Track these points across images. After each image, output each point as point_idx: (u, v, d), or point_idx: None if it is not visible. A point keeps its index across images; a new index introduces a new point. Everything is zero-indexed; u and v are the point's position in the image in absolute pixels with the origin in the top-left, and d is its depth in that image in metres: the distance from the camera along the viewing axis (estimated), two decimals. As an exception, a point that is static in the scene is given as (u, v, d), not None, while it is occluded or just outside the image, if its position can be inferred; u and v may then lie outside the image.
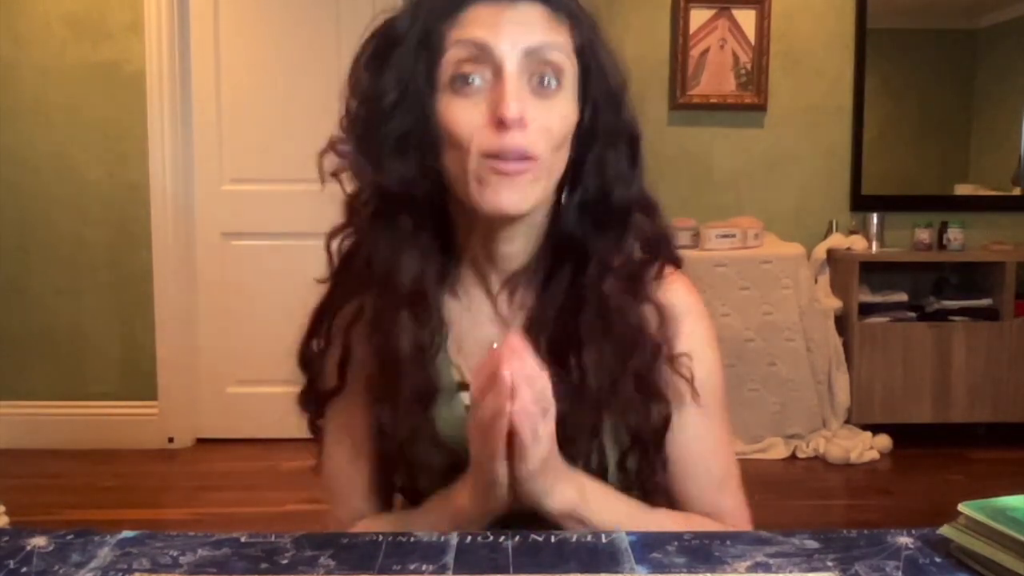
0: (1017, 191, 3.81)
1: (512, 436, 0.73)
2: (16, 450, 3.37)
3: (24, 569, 0.72)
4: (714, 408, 0.92)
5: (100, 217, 3.45)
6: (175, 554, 0.75)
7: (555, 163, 0.82)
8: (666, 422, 0.88)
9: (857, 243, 3.57)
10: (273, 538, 0.79)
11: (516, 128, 0.78)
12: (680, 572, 0.72)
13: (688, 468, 0.91)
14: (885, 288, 3.60)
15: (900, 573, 0.71)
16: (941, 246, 3.61)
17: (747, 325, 3.35)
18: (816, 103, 3.71)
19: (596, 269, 0.85)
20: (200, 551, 0.76)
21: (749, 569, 0.72)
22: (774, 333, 3.38)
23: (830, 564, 0.73)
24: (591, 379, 0.84)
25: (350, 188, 0.88)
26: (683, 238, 3.39)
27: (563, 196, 0.86)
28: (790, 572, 0.71)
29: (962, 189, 3.80)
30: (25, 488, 2.96)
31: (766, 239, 3.49)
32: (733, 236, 3.38)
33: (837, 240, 3.58)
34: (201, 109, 3.50)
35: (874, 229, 3.60)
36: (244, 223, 3.50)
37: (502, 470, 0.77)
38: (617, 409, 0.86)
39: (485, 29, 0.79)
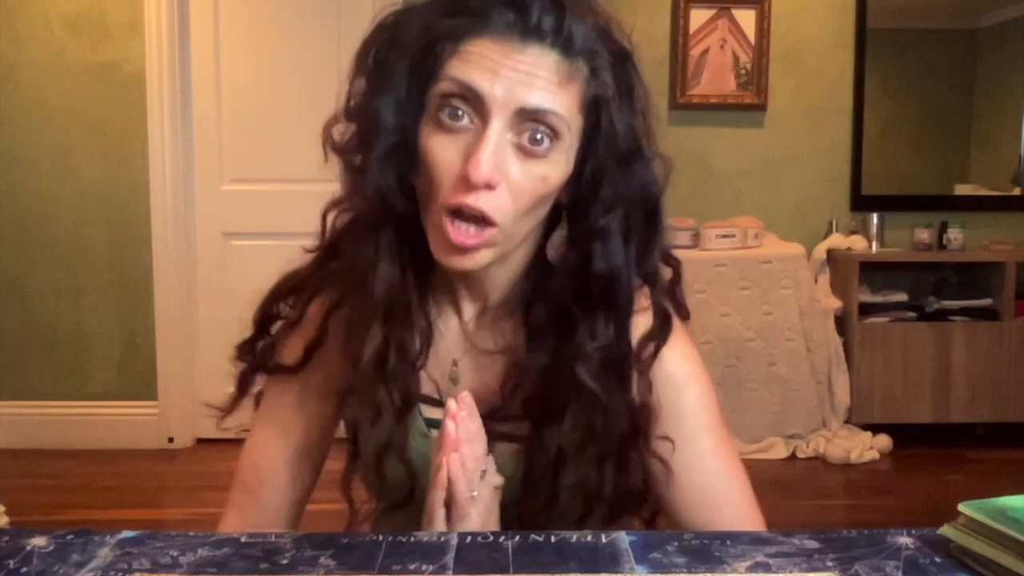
0: (1017, 191, 3.81)
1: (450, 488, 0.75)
2: (16, 450, 3.37)
3: (24, 569, 0.72)
4: (710, 430, 0.88)
5: (100, 217, 3.45)
6: (175, 554, 0.75)
7: (518, 229, 0.77)
8: (641, 490, 0.84)
9: (857, 243, 3.57)
10: (273, 538, 0.79)
11: (481, 191, 0.73)
12: (680, 572, 0.72)
13: (716, 505, 0.88)
14: (885, 288, 3.60)
15: (900, 573, 0.71)
16: (941, 246, 3.61)
17: (747, 325, 3.35)
18: (816, 103, 3.71)
19: (577, 347, 0.80)
20: (200, 551, 0.75)
21: (749, 569, 0.72)
22: (774, 333, 3.38)
23: (830, 564, 0.73)
24: (556, 444, 0.81)
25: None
26: (683, 238, 3.40)
27: (551, 240, 0.82)
28: (790, 572, 0.71)
29: (962, 189, 3.80)
30: (25, 488, 2.96)
31: (766, 239, 3.49)
32: (733, 236, 3.38)
33: (837, 240, 3.58)
34: (201, 109, 3.50)
35: (874, 229, 3.60)
36: (244, 223, 3.50)
37: (439, 518, 0.78)
38: (578, 474, 0.82)
39: (483, 73, 0.73)
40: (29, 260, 3.46)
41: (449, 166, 0.74)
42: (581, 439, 0.81)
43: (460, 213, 0.74)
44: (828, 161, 3.74)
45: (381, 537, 0.78)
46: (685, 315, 0.87)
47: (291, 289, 0.90)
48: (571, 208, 0.80)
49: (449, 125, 0.74)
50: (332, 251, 0.87)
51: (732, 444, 0.91)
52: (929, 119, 3.88)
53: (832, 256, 3.56)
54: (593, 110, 0.76)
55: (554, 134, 0.75)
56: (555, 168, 0.76)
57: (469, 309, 0.86)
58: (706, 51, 3.63)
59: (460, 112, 0.74)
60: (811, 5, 3.68)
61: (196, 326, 3.53)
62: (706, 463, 0.88)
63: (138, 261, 3.46)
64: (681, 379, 0.86)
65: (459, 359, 0.87)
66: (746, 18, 3.62)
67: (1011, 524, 0.69)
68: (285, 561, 0.74)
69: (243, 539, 0.78)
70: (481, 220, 0.74)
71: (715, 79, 3.64)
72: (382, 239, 0.79)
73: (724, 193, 3.70)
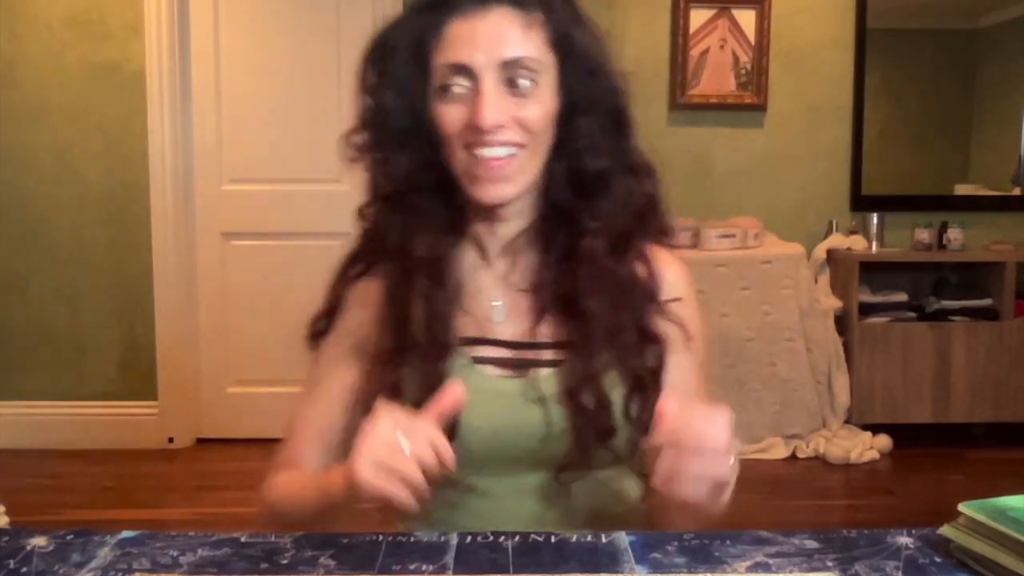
0: (1017, 191, 3.81)
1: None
2: (16, 450, 3.37)
3: (24, 569, 0.72)
4: (698, 352, 1.00)
5: (100, 217, 3.45)
6: (175, 554, 0.75)
7: (538, 147, 0.92)
8: (661, 363, 0.94)
9: (857, 243, 3.56)
10: (273, 538, 0.79)
11: (493, 133, 0.88)
12: (680, 572, 0.72)
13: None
14: (885, 288, 3.60)
15: (900, 573, 0.71)
16: (941, 246, 3.61)
17: (747, 325, 3.35)
18: (816, 103, 3.70)
19: (584, 233, 0.94)
20: (200, 551, 0.76)
21: (749, 569, 0.72)
22: (774, 333, 3.38)
23: (830, 564, 0.73)
24: (591, 329, 0.91)
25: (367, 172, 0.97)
26: (683, 238, 3.39)
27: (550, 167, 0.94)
28: (790, 572, 0.71)
29: (962, 189, 3.79)
30: (25, 488, 2.97)
31: (766, 239, 3.49)
32: (733, 236, 3.37)
33: (837, 240, 3.58)
34: (201, 109, 3.50)
35: (874, 229, 3.60)
36: (244, 223, 3.50)
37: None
38: (617, 355, 0.92)
39: (463, 48, 0.88)
40: (29, 260, 3.46)
41: (458, 124, 0.89)
42: (608, 319, 0.92)
43: (483, 152, 0.89)
44: (828, 161, 3.73)
45: (381, 537, 0.78)
46: (667, 232, 1.01)
47: (350, 264, 1.00)
48: (560, 124, 0.93)
49: (449, 97, 0.90)
50: (362, 246, 1.00)
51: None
52: (929, 119, 3.88)
53: (832, 256, 3.56)
54: (559, 46, 0.91)
55: (534, 75, 0.90)
56: (544, 103, 0.91)
57: (494, 251, 0.98)
58: (706, 51, 3.63)
59: (456, 86, 0.89)
60: (811, 5, 3.68)
61: (196, 326, 3.53)
62: (687, 372, 0.98)
63: (138, 261, 3.46)
64: (681, 290, 0.99)
65: (496, 301, 0.97)
66: (746, 18, 3.62)
67: (1011, 524, 0.69)
68: (285, 561, 0.74)
69: (243, 539, 0.79)
70: (509, 148, 0.89)
71: (715, 79, 3.64)
72: (414, 210, 0.94)
73: (724, 193, 3.70)
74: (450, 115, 0.90)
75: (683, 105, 3.64)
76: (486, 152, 0.89)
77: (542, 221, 0.97)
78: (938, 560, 0.74)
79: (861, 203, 3.71)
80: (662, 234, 0.99)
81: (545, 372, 0.93)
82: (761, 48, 3.63)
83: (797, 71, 3.68)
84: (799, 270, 3.40)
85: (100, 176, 3.44)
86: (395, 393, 0.91)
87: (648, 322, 0.94)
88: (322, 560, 0.74)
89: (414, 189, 0.94)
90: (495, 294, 0.97)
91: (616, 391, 0.91)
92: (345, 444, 0.95)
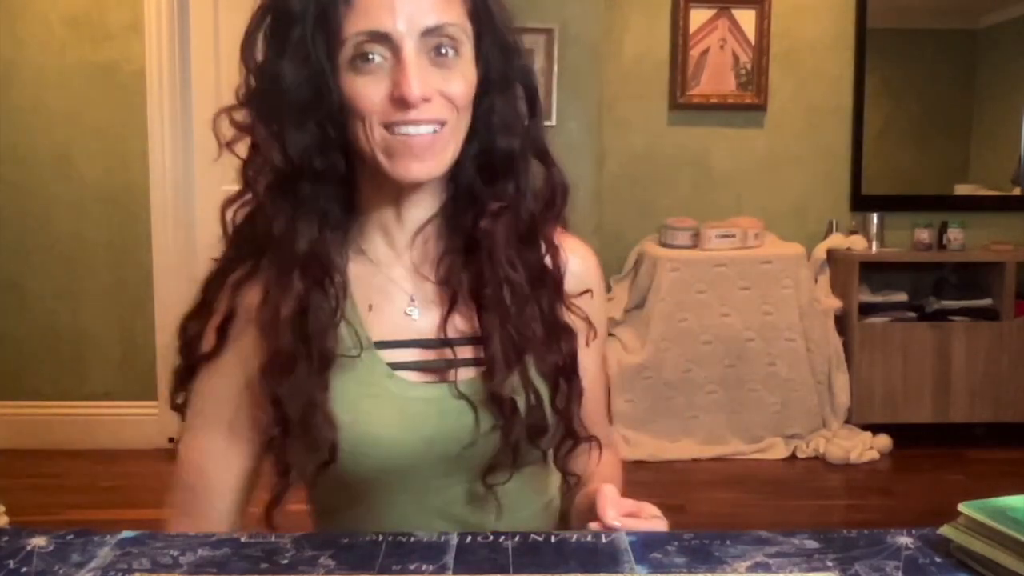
0: (1017, 191, 3.81)
1: None
2: (16, 450, 3.37)
3: (24, 569, 0.72)
4: (601, 343, 0.99)
5: (100, 217, 3.45)
6: (175, 554, 0.75)
7: (460, 122, 0.86)
8: (574, 355, 0.91)
9: (857, 243, 3.57)
10: (273, 538, 0.79)
11: (421, 105, 0.81)
12: (680, 572, 0.72)
13: (586, 401, 0.95)
14: (885, 288, 3.60)
15: (900, 573, 0.71)
16: (941, 246, 3.61)
17: (747, 325, 3.35)
18: (816, 103, 3.71)
19: (488, 217, 0.89)
20: (200, 551, 0.76)
21: (749, 569, 0.72)
22: (774, 333, 3.38)
23: (830, 564, 0.73)
24: (502, 321, 0.87)
25: (244, 156, 0.90)
26: (683, 238, 3.39)
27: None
28: (790, 572, 0.71)
29: (962, 189, 3.80)
30: (25, 488, 2.96)
31: (766, 239, 3.49)
32: (733, 236, 3.37)
33: (837, 240, 3.58)
34: (201, 109, 3.49)
35: (874, 229, 3.61)
36: (244, 223, 3.50)
37: None
38: (532, 348, 0.88)
39: (380, 14, 0.80)
40: (29, 260, 3.46)
41: (377, 98, 0.82)
42: (519, 309, 0.88)
43: (406, 130, 0.82)
44: (828, 161, 3.74)
45: (381, 537, 0.78)
46: (563, 223, 0.95)
47: (207, 295, 0.93)
48: (474, 102, 0.87)
49: (366, 68, 0.81)
50: (238, 241, 0.91)
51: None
52: (929, 119, 3.88)
53: (832, 256, 3.56)
54: (476, 16, 0.86)
55: (456, 44, 0.84)
56: (468, 69, 0.85)
57: (402, 240, 0.91)
58: (706, 51, 3.63)
59: (372, 55, 0.81)
60: (811, 5, 3.68)
61: (196, 326, 3.53)
62: (591, 367, 0.97)
63: (138, 262, 3.46)
64: (590, 281, 0.97)
65: (413, 294, 0.91)
66: (746, 18, 3.62)
67: (1011, 524, 0.69)
68: (285, 561, 0.74)
69: (243, 539, 0.79)
70: (433, 125, 0.83)
71: (715, 79, 3.64)
72: (299, 199, 0.85)
73: (724, 193, 3.70)
74: (367, 89, 0.81)
75: (683, 105, 3.64)
76: (411, 130, 0.82)
77: (451, 204, 0.91)
78: (938, 560, 0.74)
79: (861, 203, 3.71)
80: (561, 224, 0.95)
81: (467, 373, 0.88)
82: (761, 48, 3.63)
83: (797, 71, 3.68)
84: (799, 270, 3.40)
85: (100, 176, 3.44)
86: (276, 408, 0.84)
87: (558, 313, 0.91)
88: (322, 560, 0.74)
89: (308, 172, 0.84)
90: (407, 288, 0.91)
91: (541, 387, 0.88)
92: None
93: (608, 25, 3.51)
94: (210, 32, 3.46)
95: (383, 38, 0.80)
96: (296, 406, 0.83)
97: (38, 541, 0.77)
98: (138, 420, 3.48)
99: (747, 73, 3.65)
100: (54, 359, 3.49)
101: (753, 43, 3.63)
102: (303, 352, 0.83)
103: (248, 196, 0.90)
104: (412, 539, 0.78)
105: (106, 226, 3.46)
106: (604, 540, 0.78)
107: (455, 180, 0.90)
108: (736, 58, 3.64)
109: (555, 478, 1.00)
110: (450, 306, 0.89)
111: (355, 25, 0.80)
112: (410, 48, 0.81)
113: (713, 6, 3.60)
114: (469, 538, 0.78)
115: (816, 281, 3.52)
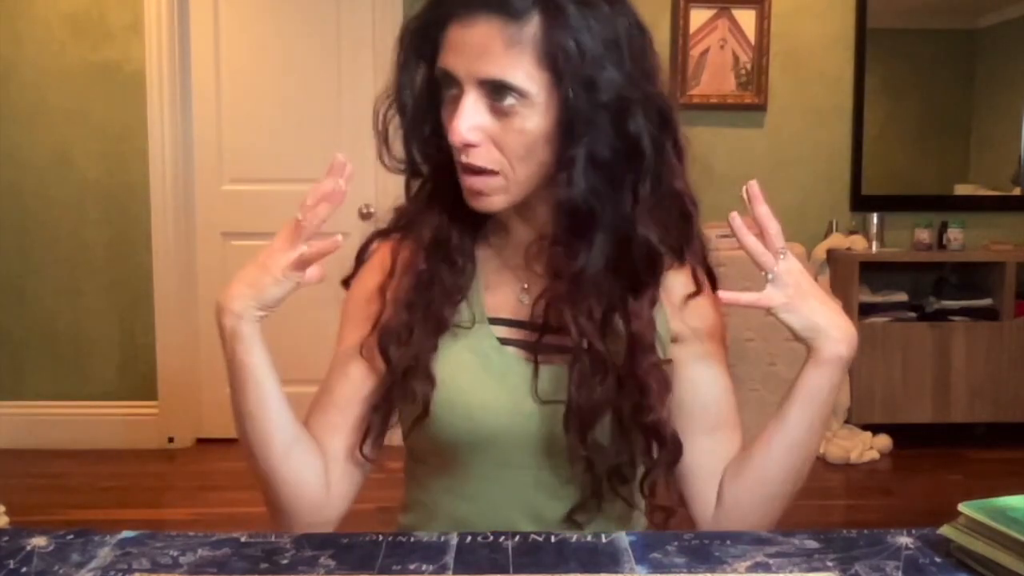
0: (1017, 191, 3.81)
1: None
2: (16, 450, 3.37)
3: (24, 569, 0.72)
4: (720, 352, 1.03)
5: (100, 217, 3.45)
6: (175, 554, 0.75)
7: (521, 175, 0.87)
8: (658, 416, 0.90)
9: (857, 243, 3.56)
10: (273, 538, 0.79)
11: (469, 149, 0.85)
12: (680, 572, 0.72)
13: (720, 416, 1.03)
14: (885, 288, 3.60)
15: (900, 573, 0.71)
16: (941, 246, 3.61)
17: (747, 325, 3.35)
18: (816, 103, 3.70)
19: (595, 263, 0.89)
20: (200, 551, 0.76)
21: (749, 569, 0.72)
22: (774, 333, 3.37)
23: (830, 564, 0.73)
24: (597, 355, 0.88)
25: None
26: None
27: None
28: (790, 572, 0.71)
29: (962, 189, 3.79)
30: (25, 488, 2.97)
31: (766, 239, 3.49)
32: (733, 236, 3.37)
33: (837, 240, 3.58)
34: (201, 109, 3.50)
35: (874, 229, 3.60)
36: (244, 223, 3.50)
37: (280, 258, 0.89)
38: (624, 402, 0.89)
39: (449, 56, 0.85)
40: (29, 260, 3.46)
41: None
42: (612, 351, 0.89)
43: (467, 167, 0.87)
44: (828, 161, 3.73)
45: (381, 537, 0.78)
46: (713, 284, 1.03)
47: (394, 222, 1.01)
48: (561, 140, 0.87)
49: (450, 98, 0.87)
50: (398, 214, 1.01)
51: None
52: (929, 119, 3.88)
53: (832, 256, 3.56)
54: (553, 59, 0.82)
55: (518, 92, 0.83)
56: (528, 120, 0.84)
57: (522, 239, 0.95)
58: (706, 51, 3.63)
59: (453, 89, 0.86)
60: (811, 5, 3.68)
61: (196, 326, 3.53)
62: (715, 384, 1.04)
63: (138, 261, 3.46)
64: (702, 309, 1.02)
65: (527, 285, 0.96)
66: (746, 18, 3.62)
67: (1011, 524, 0.69)
68: (285, 561, 0.74)
69: (243, 539, 0.79)
70: (482, 171, 0.86)
71: (715, 79, 3.64)
72: (425, 191, 0.95)
73: (724, 193, 3.68)
74: (446, 120, 0.88)
75: (683, 105, 3.64)
76: (463, 161, 0.86)
77: (570, 218, 0.91)
78: (938, 560, 0.74)
79: (861, 203, 3.71)
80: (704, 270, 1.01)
81: (559, 360, 0.91)
82: (761, 48, 3.63)
83: (797, 71, 3.68)
84: (799, 270, 3.40)
85: (100, 176, 3.44)
86: (385, 360, 0.92)
87: (638, 368, 0.90)
88: (322, 560, 0.74)
89: (421, 169, 0.94)
90: (524, 276, 0.96)
91: (625, 435, 0.90)
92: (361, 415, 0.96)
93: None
94: (210, 32, 3.47)
95: (450, 77, 0.85)
96: (404, 360, 0.90)
97: (38, 541, 0.77)
98: (138, 420, 3.48)
99: (747, 73, 3.64)
100: (54, 359, 3.49)
101: (753, 43, 3.63)
102: (419, 317, 0.91)
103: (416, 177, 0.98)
104: (412, 539, 0.79)
105: (106, 226, 3.46)
106: (604, 540, 0.78)
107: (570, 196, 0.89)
108: (736, 58, 3.64)
109: (640, 516, 1.00)
110: (557, 303, 0.90)
111: (440, 59, 0.86)
112: (470, 92, 0.84)
113: (713, 6, 3.60)
114: (469, 538, 0.78)
115: (816, 281, 3.51)
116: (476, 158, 0.85)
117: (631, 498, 0.94)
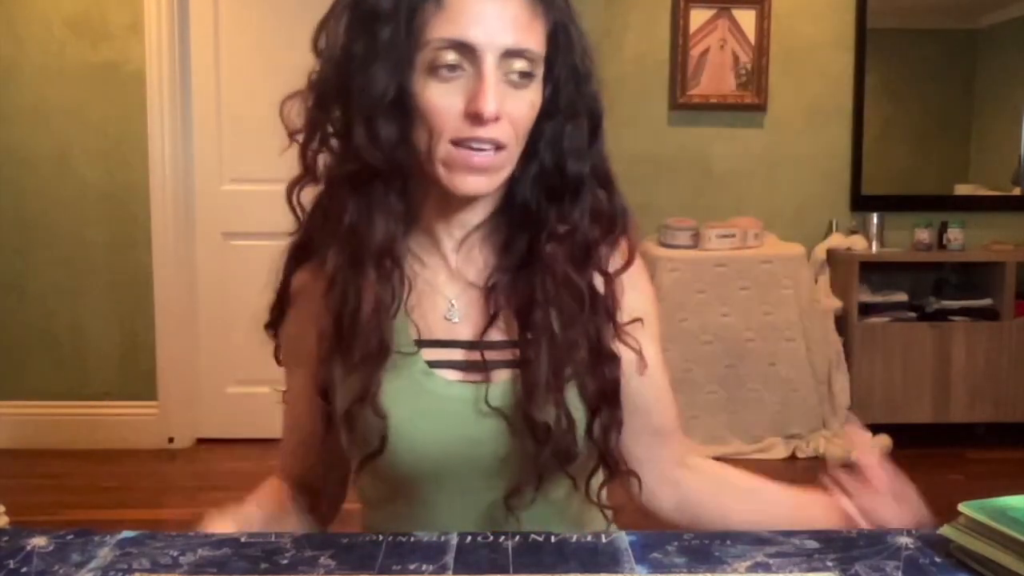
0: (1017, 191, 3.81)
1: None
2: (16, 450, 3.37)
3: (24, 569, 0.72)
4: (656, 374, 0.96)
5: (100, 217, 3.45)
6: (175, 554, 0.75)
7: (518, 147, 0.86)
8: (616, 382, 0.89)
9: (857, 243, 3.57)
10: (273, 538, 0.79)
11: (491, 123, 0.81)
12: (680, 572, 0.72)
13: (655, 421, 0.95)
14: (885, 288, 3.60)
15: (900, 573, 0.71)
16: (941, 246, 3.61)
17: (747, 325, 3.35)
18: (816, 103, 3.70)
19: (547, 238, 0.88)
20: (200, 551, 0.76)
21: (749, 569, 0.72)
22: (774, 333, 3.38)
23: (830, 564, 0.73)
24: (549, 338, 0.86)
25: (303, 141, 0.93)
26: (683, 238, 3.39)
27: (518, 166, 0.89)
28: (790, 572, 0.71)
29: (962, 189, 3.80)
30: (25, 488, 2.97)
31: (766, 239, 3.49)
32: (733, 236, 3.37)
33: (837, 240, 3.58)
34: (201, 109, 3.50)
35: (874, 229, 3.60)
36: (244, 223, 3.49)
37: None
38: (574, 371, 0.87)
39: (468, 24, 0.80)
40: (29, 260, 3.46)
41: (453, 109, 0.81)
42: (565, 332, 0.87)
43: (469, 144, 0.82)
44: (828, 161, 3.73)
45: (381, 537, 0.78)
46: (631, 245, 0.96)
47: (291, 263, 0.99)
48: (536, 121, 0.87)
49: (446, 76, 0.81)
50: (310, 226, 0.96)
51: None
52: (929, 119, 3.88)
53: (832, 256, 3.56)
54: (554, 39, 0.86)
55: (532, 65, 0.84)
56: (536, 95, 0.85)
57: (449, 245, 0.92)
58: (706, 51, 3.63)
59: (454, 63, 0.81)
60: (811, 5, 3.68)
61: (196, 326, 3.53)
62: (651, 398, 0.95)
63: (138, 261, 3.46)
64: (640, 289, 0.96)
65: (454, 299, 0.92)
66: (746, 18, 3.62)
67: (1011, 524, 0.69)
68: (285, 561, 0.74)
69: (243, 539, 0.79)
70: (494, 147, 0.83)
71: (715, 79, 3.64)
72: (375, 194, 0.85)
73: (724, 193, 3.70)
74: (443, 100, 0.81)
75: (683, 105, 3.64)
76: (474, 146, 0.81)
77: (500, 216, 0.91)
78: (938, 560, 0.74)
79: (861, 203, 3.71)
80: (626, 251, 0.94)
81: (502, 374, 0.88)
82: (761, 48, 3.63)
83: (797, 71, 3.68)
84: (799, 270, 3.40)
85: (100, 176, 3.44)
86: (325, 398, 0.88)
87: (604, 340, 0.89)
88: (322, 560, 0.74)
89: (388, 168, 0.84)
90: (450, 291, 0.91)
91: (578, 412, 0.87)
92: (325, 441, 0.92)
93: (608, 25, 3.50)
94: (210, 32, 3.47)
95: (466, 48, 0.80)
96: (348, 397, 0.85)
97: (38, 541, 0.77)
98: (138, 420, 3.48)
99: (747, 73, 3.64)
100: (54, 359, 3.49)
101: (753, 43, 3.63)
102: (360, 345, 0.84)
103: (309, 179, 0.94)
104: (412, 539, 0.78)
105: (106, 226, 3.46)
106: (604, 540, 0.78)
107: (509, 194, 0.90)
108: (736, 58, 3.64)
109: (595, 514, 0.96)
110: (491, 319, 0.89)
111: (440, 30, 0.80)
112: (491, 63, 0.80)
113: (713, 6, 3.60)
114: (469, 538, 0.78)
115: (816, 281, 3.51)
116: (496, 132, 0.82)
117: (577, 478, 0.91)
